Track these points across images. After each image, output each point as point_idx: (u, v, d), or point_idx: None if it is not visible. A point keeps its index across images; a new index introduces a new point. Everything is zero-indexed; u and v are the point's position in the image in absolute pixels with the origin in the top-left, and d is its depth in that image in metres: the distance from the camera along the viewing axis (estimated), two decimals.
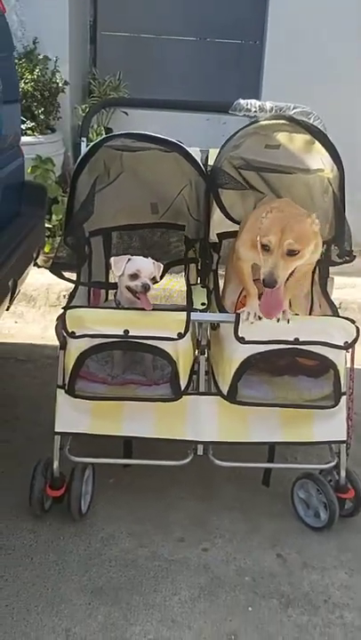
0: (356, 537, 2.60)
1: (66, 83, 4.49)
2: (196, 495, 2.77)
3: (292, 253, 2.14)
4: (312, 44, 4.81)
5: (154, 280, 2.43)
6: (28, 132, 4.36)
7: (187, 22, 5.28)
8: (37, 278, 4.28)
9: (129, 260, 2.44)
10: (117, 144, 2.59)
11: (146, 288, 2.37)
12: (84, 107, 4.76)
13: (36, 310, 4.37)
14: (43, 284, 4.36)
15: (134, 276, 2.40)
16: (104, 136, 2.51)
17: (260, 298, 2.43)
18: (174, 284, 4.27)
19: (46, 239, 4.23)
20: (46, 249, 4.29)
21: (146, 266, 2.43)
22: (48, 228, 4.18)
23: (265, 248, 2.16)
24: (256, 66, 5.13)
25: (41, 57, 4.48)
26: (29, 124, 4.35)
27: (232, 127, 2.76)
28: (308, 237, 2.18)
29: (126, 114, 4.90)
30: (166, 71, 5.35)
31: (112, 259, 2.47)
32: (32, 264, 3.20)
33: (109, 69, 5.17)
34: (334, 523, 2.54)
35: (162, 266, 2.50)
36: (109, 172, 2.69)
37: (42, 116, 4.38)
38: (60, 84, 4.43)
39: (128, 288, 2.42)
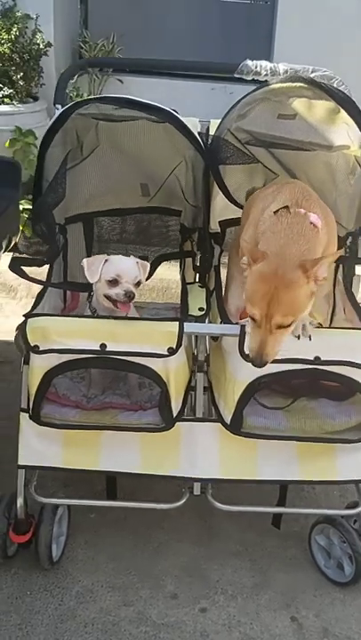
0: None
1: (49, 44, 3.96)
2: (191, 537, 2.31)
3: (281, 326, 1.68)
4: (330, 4, 4.25)
5: (138, 284, 1.95)
6: (6, 100, 3.83)
7: None
8: None
9: (106, 261, 1.95)
10: (95, 112, 2.10)
11: (130, 297, 1.90)
12: None
13: (17, 302, 3.90)
14: None
15: (114, 282, 1.92)
16: (75, 101, 2.02)
17: None
18: (173, 274, 3.80)
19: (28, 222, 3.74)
20: (28, 233, 3.80)
21: (128, 268, 1.95)
22: (30, 209, 3.68)
23: (251, 317, 1.71)
24: (267, 28, 4.60)
25: (20, 14, 3.94)
26: (7, 90, 3.82)
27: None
28: (300, 304, 1.69)
29: (121, 82, 4.39)
30: (166, 34, 4.83)
31: (84, 260, 1.98)
32: (1, 252, 2.72)
33: (102, 32, 4.65)
34: None
35: (148, 265, 2.03)
36: (82, 147, 2.20)
37: (21, 82, 3.84)
38: (42, 46, 3.89)
39: (107, 297, 1.94)
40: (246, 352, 1.81)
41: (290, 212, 1.77)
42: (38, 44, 3.88)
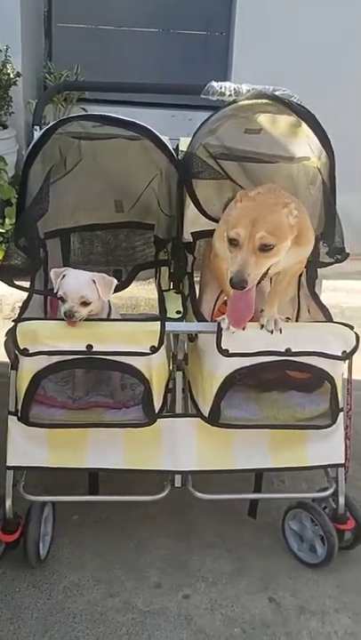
0: (357, 573, 2.29)
1: (18, 74, 4.12)
2: (171, 532, 2.42)
3: (265, 248, 1.84)
4: (285, 33, 4.50)
5: (85, 304, 1.98)
6: None
7: (148, 13, 4.96)
8: None
9: (63, 276, 2.02)
10: (75, 130, 2.25)
11: (68, 316, 1.95)
12: None
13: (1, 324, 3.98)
14: None
15: (62, 299, 1.99)
16: (59, 119, 2.16)
17: None
18: (142, 292, 3.94)
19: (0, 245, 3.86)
20: None
21: (74, 286, 1.98)
22: (1, 232, 3.79)
23: (233, 242, 1.87)
24: (223, 59, 4.84)
25: None
26: None
27: (199, 124, 2.45)
28: (283, 230, 1.89)
29: (85, 110, 4.57)
30: (127, 65, 5.03)
31: (52, 272, 2.07)
32: None
33: (66, 63, 4.83)
34: (333, 558, 2.22)
35: (112, 281, 2.06)
36: (66, 161, 2.34)
37: None
38: (12, 75, 4.05)
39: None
40: (224, 347, 1.96)
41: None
42: (8, 74, 4.04)
